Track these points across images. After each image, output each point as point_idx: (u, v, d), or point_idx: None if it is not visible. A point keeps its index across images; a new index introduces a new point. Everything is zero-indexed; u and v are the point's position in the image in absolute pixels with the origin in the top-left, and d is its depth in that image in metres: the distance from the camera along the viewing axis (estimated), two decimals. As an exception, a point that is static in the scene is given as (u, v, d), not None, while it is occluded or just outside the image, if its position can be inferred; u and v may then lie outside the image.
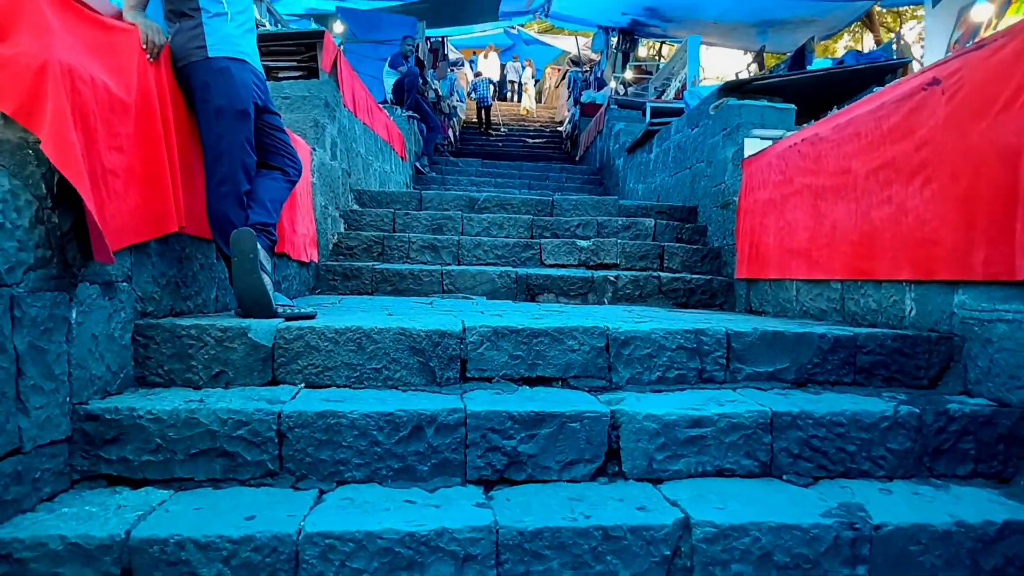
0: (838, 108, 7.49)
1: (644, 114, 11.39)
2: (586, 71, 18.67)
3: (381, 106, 9.78)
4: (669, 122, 8.02)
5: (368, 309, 3.44)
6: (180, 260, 2.69)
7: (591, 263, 5.40)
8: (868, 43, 19.07)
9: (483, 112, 20.14)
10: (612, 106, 11.55)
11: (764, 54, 14.75)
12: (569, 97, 18.93)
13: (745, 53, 18.48)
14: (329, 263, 4.90)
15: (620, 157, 9.93)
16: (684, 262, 5.43)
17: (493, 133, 19.33)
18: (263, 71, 2.85)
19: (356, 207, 5.91)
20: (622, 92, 14.51)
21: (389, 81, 10.29)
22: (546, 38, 24.24)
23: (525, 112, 22.82)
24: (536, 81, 26.03)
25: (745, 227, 4.84)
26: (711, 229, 5.71)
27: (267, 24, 7.67)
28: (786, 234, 4.15)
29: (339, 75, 5.74)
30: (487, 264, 5.30)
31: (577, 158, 14.14)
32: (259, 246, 2.59)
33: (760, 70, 14.77)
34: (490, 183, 10.38)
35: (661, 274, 5.15)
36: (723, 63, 31.41)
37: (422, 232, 5.60)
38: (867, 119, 3.34)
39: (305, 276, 4.56)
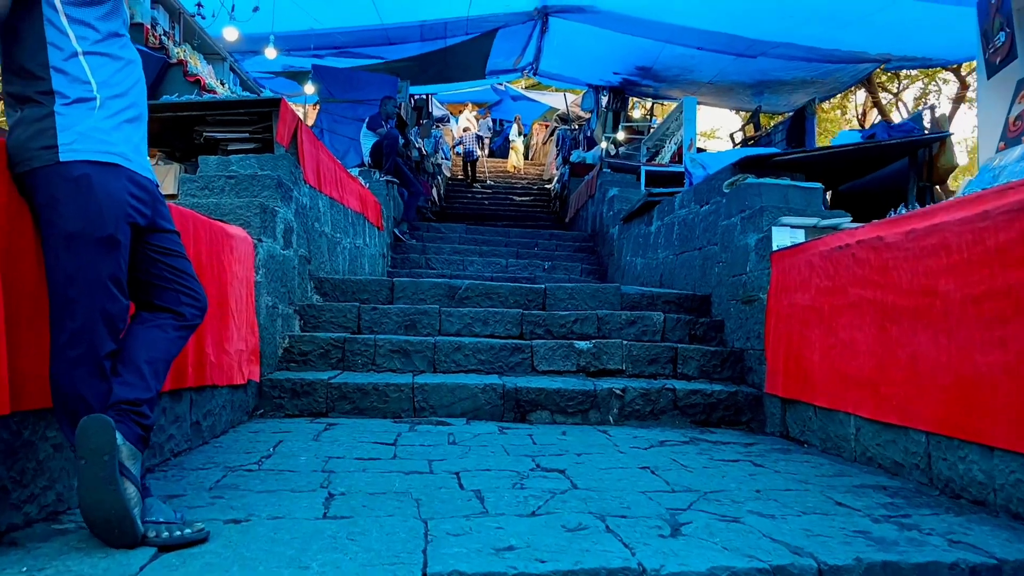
0: (856, 181, 6.80)
1: (639, 178, 10.79)
2: (575, 129, 18.16)
3: (358, 171, 9.07)
4: (671, 193, 7.32)
5: (300, 487, 2.58)
6: (11, 452, 1.83)
7: (592, 369, 4.57)
8: (858, 100, 18.76)
9: (469, 166, 19.72)
10: (605, 169, 10.89)
11: (760, 114, 14.27)
12: (558, 155, 18.38)
13: (737, 112, 18.08)
14: (276, 376, 4.03)
15: (615, 225, 9.20)
16: (701, 367, 4.61)
17: (479, 187, 18.81)
18: (151, 174, 2.03)
19: (316, 300, 5.07)
20: (613, 152, 13.93)
21: (367, 143, 9.58)
22: (533, 94, 23.88)
23: (512, 169, 22.29)
24: (524, 136, 25.62)
25: (778, 333, 4.04)
26: (730, 325, 4.91)
27: (227, 87, 6.95)
28: (839, 355, 3.35)
29: (300, 147, 4.96)
30: (468, 371, 4.45)
31: (567, 220, 13.45)
32: (120, 440, 1.74)
33: (756, 131, 14.27)
34: (475, 251, 9.61)
35: (676, 384, 4.32)
36: (714, 119, 31.32)
37: (392, 331, 4.75)
38: (961, 230, 2.57)
39: (242, 399, 3.69)
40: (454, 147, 21.57)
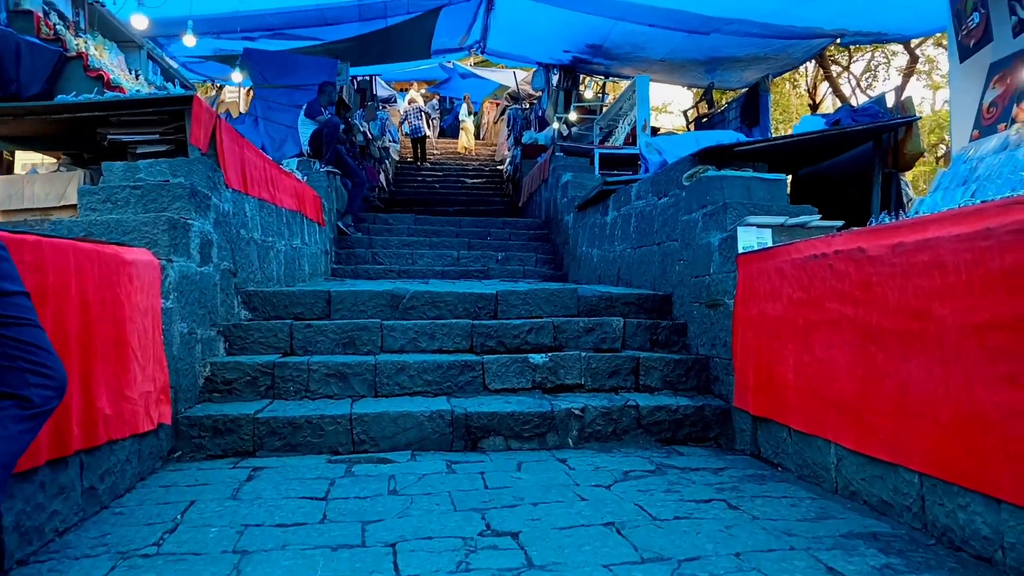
0: (817, 165, 6.51)
1: (592, 162, 10.44)
2: (526, 108, 17.69)
3: (297, 162, 8.52)
4: (628, 181, 6.98)
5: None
6: None
7: (548, 384, 4.22)
8: (808, 72, 18.68)
9: (418, 145, 19.07)
10: (558, 153, 10.50)
11: (713, 91, 14.02)
12: (509, 136, 17.91)
13: (689, 88, 17.83)
14: (195, 413, 3.59)
15: (569, 213, 8.85)
16: (664, 377, 4.31)
17: (428, 166, 18.27)
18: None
19: (244, 316, 4.61)
20: (565, 133, 13.54)
21: (305, 132, 9.02)
22: (483, 71, 23.23)
23: (463, 150, 21.73)
24: (474, 115, 25.02)
25: (747, 344, 3.74)
26: (693, 329, 4.62)
27: (141, 79, 6.31)
28: (816, 375, 3.06)
29: (220, 148, 4.46)
30: (414, 393, 4.06)
31: (520, 204, 13.06)
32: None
33: (710, 108, 14.04)
34: (424, 243, 9.19)
35: (639, 399, 4.01)
36: (666, 94, 31.12)
37: (329, 350, 4.33)
38: (958, 248, 2.27)
39: (153, 445, 3.25)
40: (400, 124, 20.89)
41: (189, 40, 8.70)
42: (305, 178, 7.89)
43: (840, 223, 4.12)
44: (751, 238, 4.00)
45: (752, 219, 4.03)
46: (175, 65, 11.15)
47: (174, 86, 7.09)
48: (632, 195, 6.28)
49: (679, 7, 9.31)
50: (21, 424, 1.63)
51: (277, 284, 5.65)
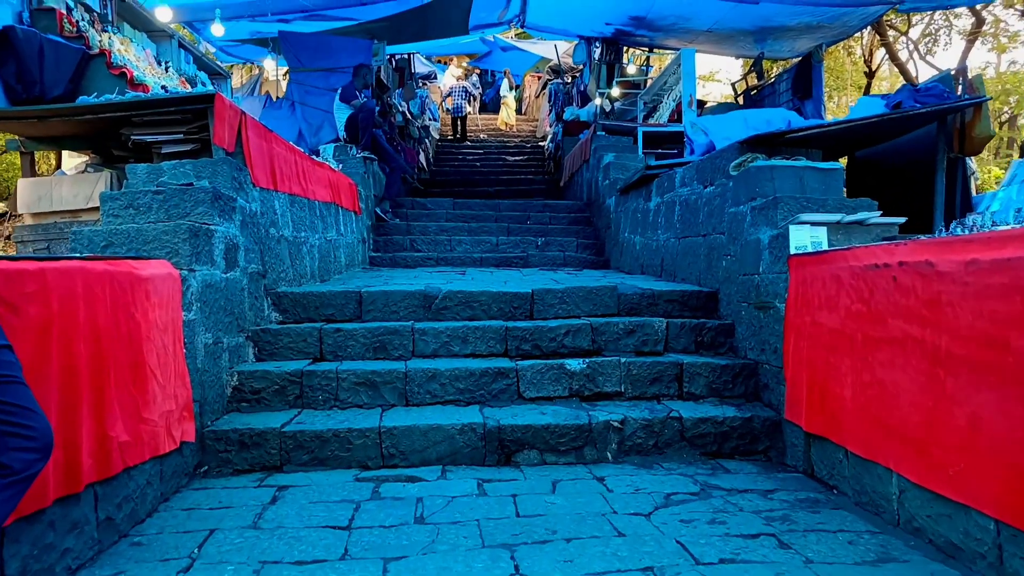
0: (875, 147, 6.04)
1: (635, 140, 10.09)
2: (567, 83, 17.26)
3: (333, 148, 8.41)
4: (671, 165, 6.68)
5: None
6: None
7: (586, 392, 4.03)
8: (864, 40, 17.79)
9: (459, 123, 18.93)
10: (599, 132, 10.17)
11: (763, 61, 13.43)
12: (551, 111, 17.54)
13: (737, 58, 17.15)
14: (221, 426, 3.50)
15: (611, 196, 8.56)
16: (710, 384, 4.07)
17: (469, 144, 18.12)
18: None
19: (274, 319, 4.51)
20: (608, 108, 13.15)
21: (341, 116, 8.89)
22: (524, 44, 22.79)
23: (504, 125, 21.41)
24: (516, 89, 24.62)
25: (799, 355, 3.49)
26: (740, 331, 4.36)
27: (171, 71, 6.19)
28: (877, 397, 2.80)
29: (246, 146, 4.34)
30: (445, 402, 3.92)
31: (561, 184, 12.78)
32: None
33: (759, 79, 13.47)
34: (463, 229, 9.01)
35: (682, 409, 3.80)
36: (713, 63, 30.17)
37: (359, 355, 4.20)
38: (1048, 272, 1.99)
39: (177, 463, 3.17)
40: (441, 102, 20.66)
41: (217, 29, 8.58)
42: (341, 165, 7.78)
43: (902, 219, 3.80)
44: (804, 237, 3.72)
45: (805, 216, 3.74)
46: (213, 50, 11.11)
47: (207, 76, 6.99)
48: (676, 182, 5.99)
49: (726, -24, 8.84)
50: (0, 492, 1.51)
51: (311, 280, 5.55)
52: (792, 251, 3.67)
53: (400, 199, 9.85)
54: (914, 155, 5.39)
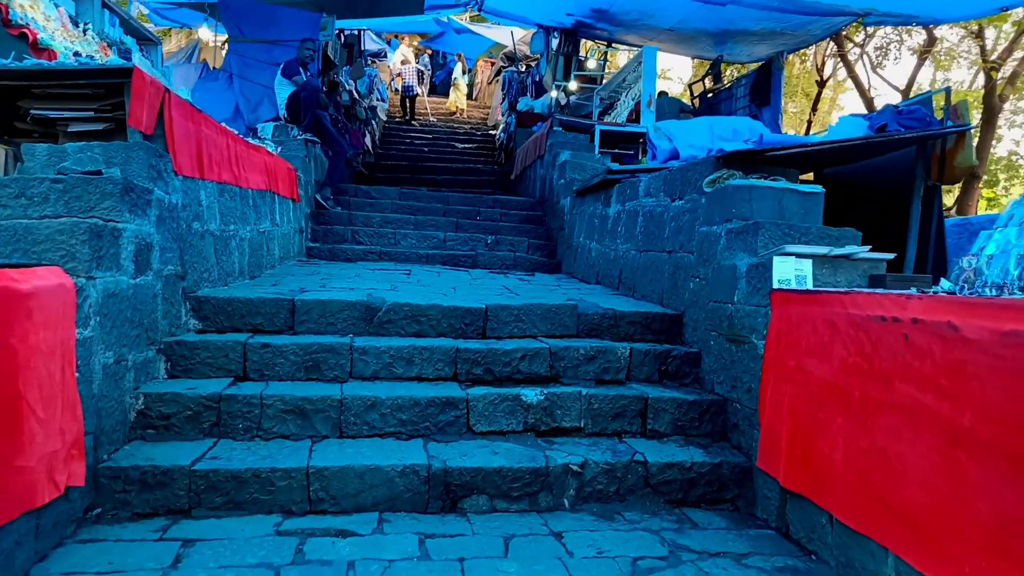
0: (846, 166, 5.78)
1: (592, 139, 9.74)
2: (523, 71, 16.82)
3: (273, 127, 7.79)
4: (634, 171, 6.35)
5: None
6: None
7: (543, 427, 3.66)
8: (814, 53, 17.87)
9: (408, 102, 18.51)
10: (556, 128, 9.78)
11: (721, 64, 13.29)
12: (503, 100, 17.08)
13: (694, 59, 17.00)
14: (119, 462, 2.99)
15: (566, 196, 8.20)
16: (675, 421, 3.75)
17: (417, 125, 17.71)
18: None
19: (193, 326, 3.98)
20: (563, 102, 12.78)
21: (283, 93, 8.25)
22: (478, 28, 22.21)
23: (455, 108, 20.84)
24: (468, 73, 24.03)
25: (779, 399, 3.18)
26: (708, 362, 4.05)
27: (88, 35, 5.49)
28: (876, 468, 2.50)
29: (168, 128, 3.78)
30: (384, 435, 3.48)
31: (512, 177, 12.36)
32: None
33: (716, 82, 13.32)
34: (409, 221, 8.52)
35: (647, 452, 3.47)
36: (665, 61, 30.12)
37: (289, 375, 3.72)
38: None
39: (60, 511, 2.65)
40: (390, 83, 20.02)
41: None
42: (280, 148, 7.20)
43: (891, 255, 3.54)
44: (789, 270, 3.41)
45: (791, 247, 3.44)
46: (146, 12, 10.26)
47: (136, 41, 6.29)
48: (640, 191, 5.66)
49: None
50: None
51: (239, 277, 5.01)
52: (775, 285, 3.36)
53: (343, 185, 9.29)
54: (888, 178, 5.18)
